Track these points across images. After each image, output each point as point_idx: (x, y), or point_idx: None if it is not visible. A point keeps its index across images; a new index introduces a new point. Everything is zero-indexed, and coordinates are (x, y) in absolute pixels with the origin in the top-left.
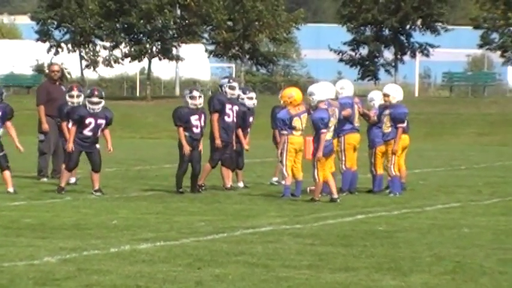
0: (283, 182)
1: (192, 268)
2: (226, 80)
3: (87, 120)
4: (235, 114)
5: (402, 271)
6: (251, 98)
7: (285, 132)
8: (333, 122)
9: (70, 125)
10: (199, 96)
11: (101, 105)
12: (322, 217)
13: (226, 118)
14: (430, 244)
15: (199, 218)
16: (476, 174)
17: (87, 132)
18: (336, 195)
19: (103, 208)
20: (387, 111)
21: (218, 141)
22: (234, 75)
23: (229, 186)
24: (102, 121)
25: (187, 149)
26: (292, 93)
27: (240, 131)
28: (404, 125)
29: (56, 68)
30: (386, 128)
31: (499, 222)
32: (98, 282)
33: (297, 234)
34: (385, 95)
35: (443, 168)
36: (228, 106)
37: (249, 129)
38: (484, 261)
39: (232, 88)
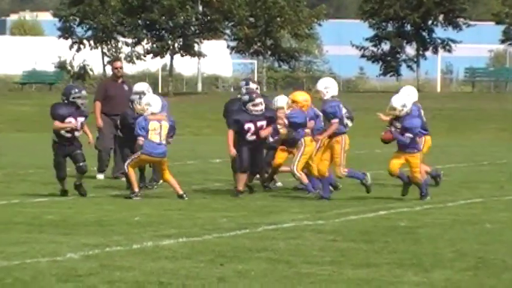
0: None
1: (215, 264)
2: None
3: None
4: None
5: (424, 267)
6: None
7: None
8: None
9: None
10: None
11: None
12: (344, 213)
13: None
14: (452, 240)
15: (221, 214)
16: (498, 169)
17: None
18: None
19: (125, 205)
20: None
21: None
22: (256, 71)
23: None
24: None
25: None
26: (306, 97)
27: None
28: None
29: (118, 64)
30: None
31: None
32: (121, 279)
33: (319, 230)
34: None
35: (465, 163)
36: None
37: None
38: (506, 257)
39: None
